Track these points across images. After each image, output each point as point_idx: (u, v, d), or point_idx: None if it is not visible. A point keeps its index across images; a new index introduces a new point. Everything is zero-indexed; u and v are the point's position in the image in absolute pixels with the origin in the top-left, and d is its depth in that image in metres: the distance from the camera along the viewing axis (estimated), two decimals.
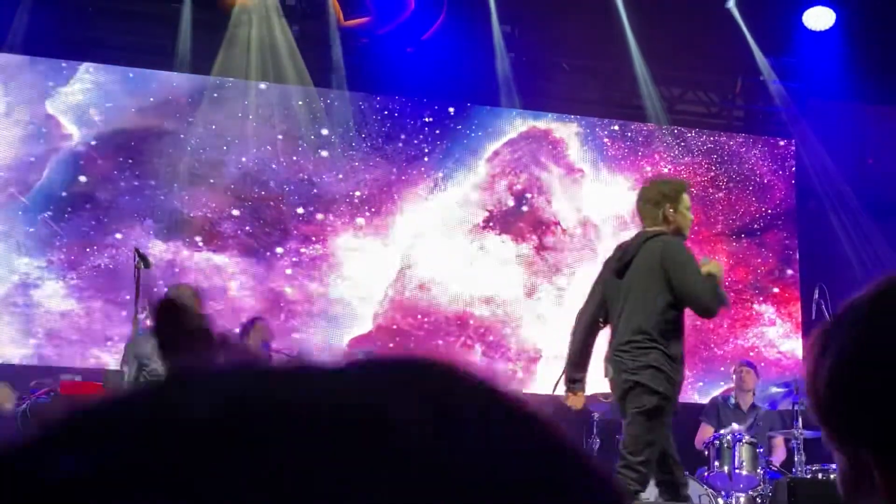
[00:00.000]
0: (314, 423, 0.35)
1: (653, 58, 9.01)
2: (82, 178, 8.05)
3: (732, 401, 7.41)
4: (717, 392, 8.32)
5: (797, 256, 9.29)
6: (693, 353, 8.96)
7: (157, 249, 7.94)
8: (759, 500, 6.53)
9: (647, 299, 4.76)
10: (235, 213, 8.29)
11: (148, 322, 6.16)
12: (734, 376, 7.56)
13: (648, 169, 9.18)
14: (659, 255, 4.77)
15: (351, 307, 8.40)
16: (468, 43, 8.86)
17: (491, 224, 8.82)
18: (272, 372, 0.39)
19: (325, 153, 8.55)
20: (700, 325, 8.98)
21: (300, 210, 8.43)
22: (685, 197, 5.03)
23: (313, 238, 8.43)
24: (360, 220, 8.54)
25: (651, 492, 5.02)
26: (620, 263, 4.92)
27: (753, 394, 7.41)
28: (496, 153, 8.94)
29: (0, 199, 7.89)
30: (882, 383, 0.84)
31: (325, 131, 8.57)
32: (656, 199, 4.97)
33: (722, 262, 9.10)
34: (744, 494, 6.62)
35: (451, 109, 8.90)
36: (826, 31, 9.02)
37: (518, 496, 0.35)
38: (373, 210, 8.57)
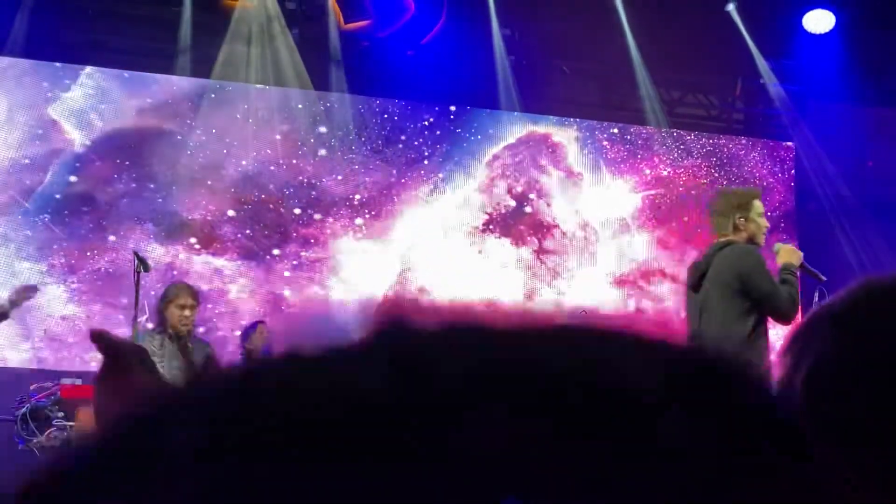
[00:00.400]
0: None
1: (652, 61, 9.01)
2: (82, 182, 8.05)
3: None
4: None
5: None
6: None
7: (157, 253, 7.94)
8: None
9: (724, 309, 4.74)
10: (235, 215, 8.28)
11: (149, 325, 6.16)
12: None
13: (648, 172, 9.19)
14: (732, 263, 4.76)
15: (351, 310, 8.38)
16: (468, 46, 8.86)
17: (491, 227, 8.82)
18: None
19: (324, 156, 8.55)
20: None
21: (300, 213, 8.43)
22: (756, 204, 4.98)
23: (313, 241, 8.43)
24: (359, 223, 8.53)
25: None
26: (694, 277, 4.91)
27: None
28: (496, 156, 8.95)
29: (0, 203, 7.89)
30: (865, 387, 0.85)
31: (324, 134, 8.57)
32: (726, 210, 4.96)
33: None
34: None
35: (452, 111, 8.90)
36: (826, 33, 9.02)
37: None
38: (372, 213, 8.57)
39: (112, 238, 7.99)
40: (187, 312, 5.91)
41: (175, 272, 7.91)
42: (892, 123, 9.31)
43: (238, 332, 7.22)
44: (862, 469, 0.84)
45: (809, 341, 0.90)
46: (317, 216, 8.46)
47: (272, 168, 8.41)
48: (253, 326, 6.96)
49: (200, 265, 8.16)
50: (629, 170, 9.17)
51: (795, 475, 0.35)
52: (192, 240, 8.16)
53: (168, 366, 5.81)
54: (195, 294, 6.01)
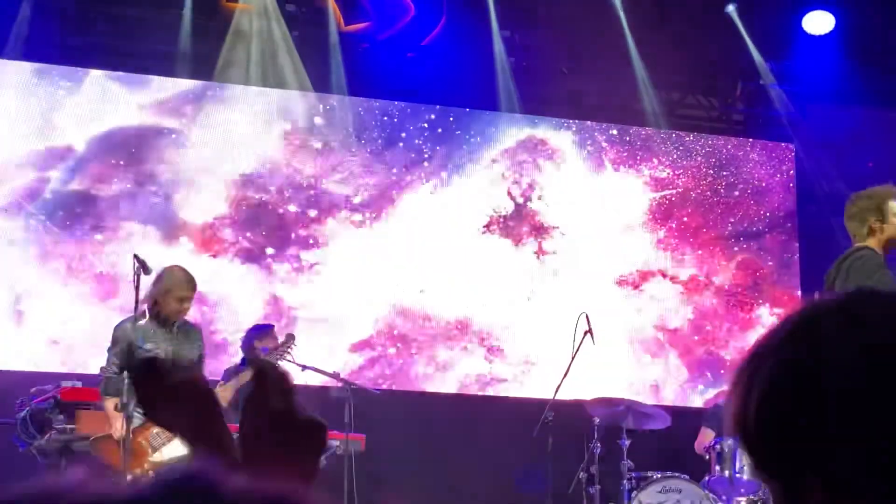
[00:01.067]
0: None
1: (653, 62, 9.01)
2: (83, 184, 8.06)
3: None
4: (718, 395, 8.33)
5: (797, 259, 9.29)
6: (693, 357, 8.96)
7: (156, 254, 7.93)
8: None
9: None
10: (235, 217, 8.29)
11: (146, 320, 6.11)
12: None
13: (648, 173, 9.19)
14: (852, 268, 4.68)
15: (351, 312, 8.40)
16: (468, 48, 8.86)
17: (491, 228, 8.83)
18: None
19: (324, 158, 8.56)
20: (700, 326, 8.98)
21: (300, 214, 8.43)
22: (892, 204, 4.78)
23: (312, 242, 8.44)
24: (359, 224, 8.54)
25: None
26: (828, 284, 4.85)
27: None
28: (496, 158, 8.95)
29: (2, 206, 7.89)
30: (815, 407, 0.86)
31: (324, 136, 8.58)
32: (860, 215, 4.82)
33: (722, 265, 9.11)
34: (745, 499, 6.62)
35: (452, 112, 8.91)
36: (825, 35, 9.02)
37: None
38: (372, 215, 8.58)
39: (118, 242, 8.00)
40: (186, 305, 5.88)
41: None
42: (893, 124, 9.31)
43: (239, 334, 7.21)
44: (803, 497, 0.86)
45: (757, 370, 0.92)
46: (317, 219, 8.46)
47: (272, 170, 8.42)
48: (267, 329, 6.87)
49: (200, 267, 8.16)
50: (629, 171, 9.17)
51: None
52: (192, 241, 8.16)
53: (161, 350, 5.72)
54: (195, 286, 5.96)
